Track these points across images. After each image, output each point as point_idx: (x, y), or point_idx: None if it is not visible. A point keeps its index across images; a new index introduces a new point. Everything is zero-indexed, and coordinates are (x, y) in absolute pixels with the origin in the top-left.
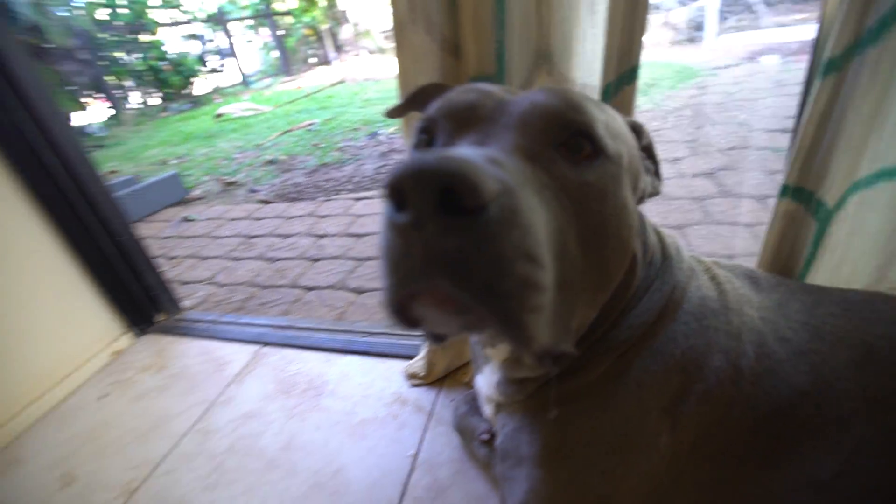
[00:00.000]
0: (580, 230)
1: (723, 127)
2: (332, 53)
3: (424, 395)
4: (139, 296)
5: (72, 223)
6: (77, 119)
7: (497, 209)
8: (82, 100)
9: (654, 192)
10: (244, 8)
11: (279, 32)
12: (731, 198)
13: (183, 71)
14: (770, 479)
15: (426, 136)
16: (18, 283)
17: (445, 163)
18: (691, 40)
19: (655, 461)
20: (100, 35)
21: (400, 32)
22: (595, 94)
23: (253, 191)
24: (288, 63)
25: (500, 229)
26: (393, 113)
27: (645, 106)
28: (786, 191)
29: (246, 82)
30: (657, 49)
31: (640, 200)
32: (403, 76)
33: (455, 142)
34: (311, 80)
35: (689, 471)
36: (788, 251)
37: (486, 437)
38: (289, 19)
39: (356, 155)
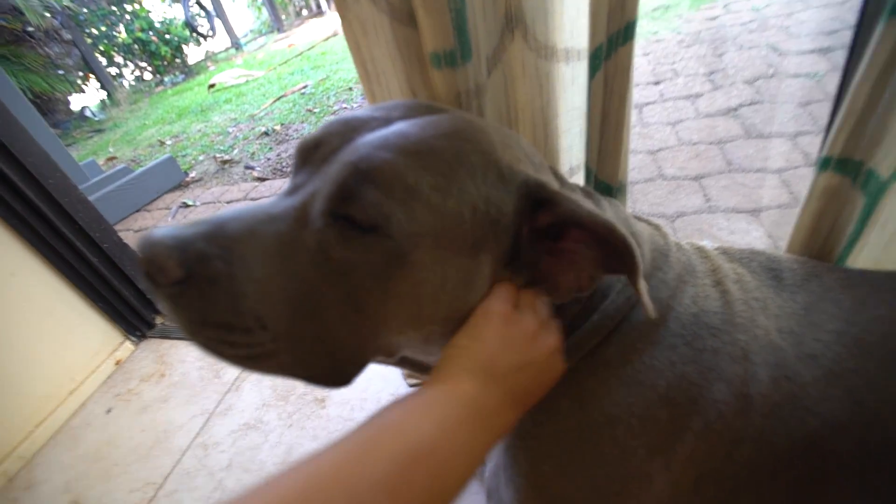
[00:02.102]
0: (351, 294)
1: (749, 52)
2: (324, 2)
3: None
4: (134, 301)
5: (50, 238)
6: (75, 102)
7: (192, 281)
8: (78, 82)
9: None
10: None
11: None
12: (757, 139)
13: (171, 40)
14: None
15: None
16: (6, 307)
17: (145, 248)
18: None
19: None
20: (81, 10)
21: (342, 3)
22: (582, 59)
23: (248, 167)
24: (279, 19)
25: (187, 300)
26: None
27: (662, 33)
28: (827, 163)
29: (237, 45)
30: None
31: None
32: (357, 51)
33: (294, 178)
34: (303, 35)
35: None
36: (828, 231)
37: None
38: None
39: None
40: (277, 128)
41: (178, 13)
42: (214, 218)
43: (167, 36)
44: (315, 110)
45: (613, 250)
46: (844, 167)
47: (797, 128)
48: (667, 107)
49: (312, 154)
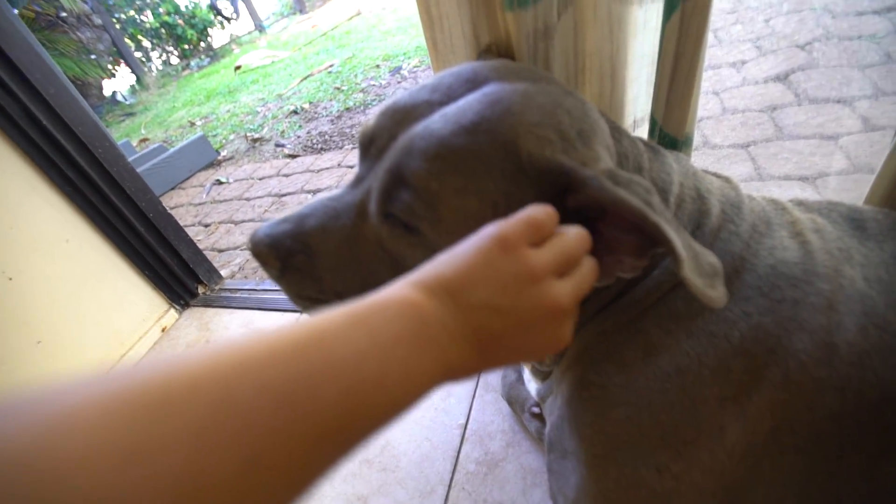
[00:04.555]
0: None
1: (798, 16)
2: None
3: None
4: (178, 270)
5: (101, 205)
6: (107, 87)
7: (286, 270)
8: (109, 67)
9: None
10: None
11: None
12: (809, 105)
13: (196, 24)
14: (888, 475)
15: None
16: (58, 273)
17: (253, 248)
18: None
19: (720, 455)
20: None
21: None
22: (657, 0)
23: (279, 145)
24: (301, 0)
25: (286, 283)
26: None
27: None
28: None
29: (261, 27)
30: None
31: None
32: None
33: (359, 167)
34: (326, 15)
35: (769, 462)
36: None
37: (536, 409)
38: None
39: (380, 95)
40: (306, 106)
41: None
42: (297, 214)
43: (193, 20)
44: (343, 88)
45: (650, 237)
46: None
47: (855, 92)
48: (709, 75)
49: (370, 147)
